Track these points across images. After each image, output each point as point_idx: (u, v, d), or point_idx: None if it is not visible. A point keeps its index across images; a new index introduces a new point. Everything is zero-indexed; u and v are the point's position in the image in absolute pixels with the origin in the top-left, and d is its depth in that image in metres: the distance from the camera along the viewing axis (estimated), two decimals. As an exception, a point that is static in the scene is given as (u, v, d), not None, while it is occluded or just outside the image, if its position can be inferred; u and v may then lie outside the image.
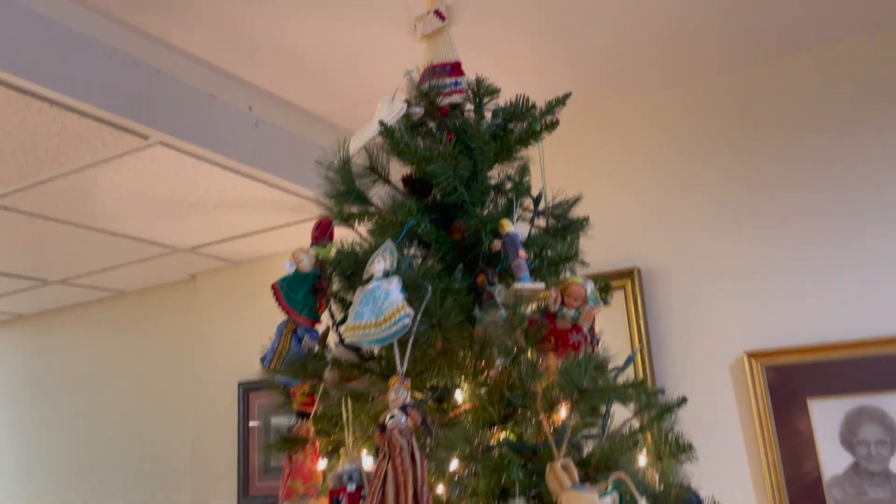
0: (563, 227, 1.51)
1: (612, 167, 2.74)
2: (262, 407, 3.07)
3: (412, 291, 1.20)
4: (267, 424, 3.01)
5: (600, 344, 1.35)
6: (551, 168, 2.86)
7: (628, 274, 2.57)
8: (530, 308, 1.34)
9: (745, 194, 2.50)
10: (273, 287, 1.37)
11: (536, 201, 1.49)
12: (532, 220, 1.48)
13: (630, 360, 1.44)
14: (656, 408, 1.37)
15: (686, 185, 2.59)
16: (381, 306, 1.16)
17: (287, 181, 2.50)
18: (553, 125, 1.45)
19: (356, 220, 1.43)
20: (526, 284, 1.27)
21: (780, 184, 2.45)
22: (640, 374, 2.49)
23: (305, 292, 1.34)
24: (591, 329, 1.33)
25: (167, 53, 2.21)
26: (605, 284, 1.53)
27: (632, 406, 1.37)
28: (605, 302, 1.53)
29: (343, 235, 1.46)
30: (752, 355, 2.35)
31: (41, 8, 1.90)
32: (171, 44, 2.19)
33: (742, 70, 2.56)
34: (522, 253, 1.31)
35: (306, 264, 1.40)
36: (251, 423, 3.03)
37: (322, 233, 1.47)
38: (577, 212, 1.59)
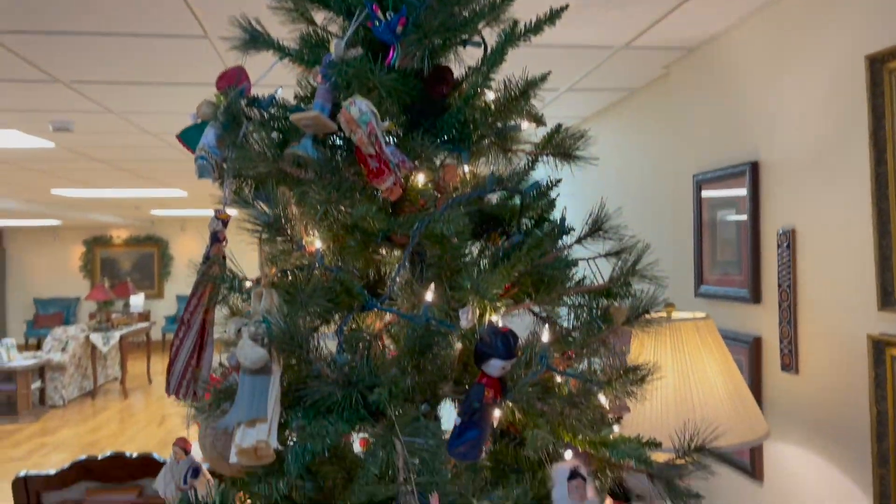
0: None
1: None
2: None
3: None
4: (713, 219, 2.83)
5: (405, 165, 1.22)
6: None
7: None
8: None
9: None
10: (177, 137, 1.46)
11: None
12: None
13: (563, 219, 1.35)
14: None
15: None
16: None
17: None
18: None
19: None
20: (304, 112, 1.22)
21: None
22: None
23: (212, 135, 1.42)
24: (394, 155, 1.20)
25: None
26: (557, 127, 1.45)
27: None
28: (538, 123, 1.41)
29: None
30: None
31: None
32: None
33: None
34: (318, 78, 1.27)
35: (204, 112, 1.42)
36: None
37: (228, 82, 1.43)
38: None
